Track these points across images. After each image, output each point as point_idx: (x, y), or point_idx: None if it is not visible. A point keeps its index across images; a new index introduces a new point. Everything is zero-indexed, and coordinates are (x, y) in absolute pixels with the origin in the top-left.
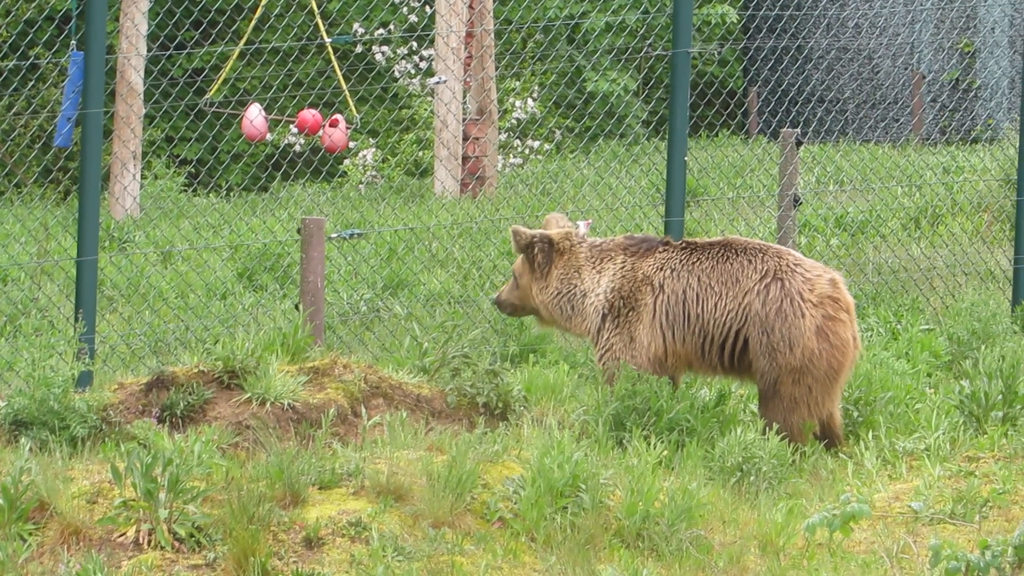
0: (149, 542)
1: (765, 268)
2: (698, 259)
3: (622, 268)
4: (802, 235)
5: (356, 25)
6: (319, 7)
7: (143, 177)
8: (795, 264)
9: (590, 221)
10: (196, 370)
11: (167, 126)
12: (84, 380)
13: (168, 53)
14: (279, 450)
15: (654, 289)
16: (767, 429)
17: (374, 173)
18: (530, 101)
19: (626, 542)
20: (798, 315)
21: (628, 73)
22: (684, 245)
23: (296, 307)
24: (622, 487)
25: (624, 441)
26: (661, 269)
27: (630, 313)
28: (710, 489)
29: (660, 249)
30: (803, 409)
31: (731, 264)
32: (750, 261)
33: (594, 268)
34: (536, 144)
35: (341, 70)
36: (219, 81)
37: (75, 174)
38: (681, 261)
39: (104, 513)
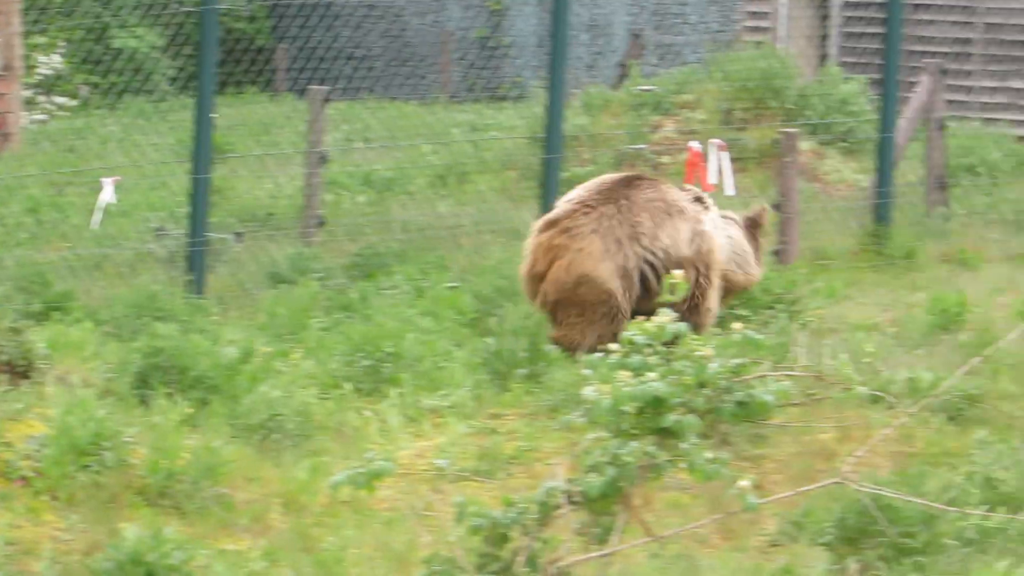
0: None
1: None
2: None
3: None
4: (329, 192)
5: None
6: None
7: None
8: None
9: (119, 177)
10: None
11: None
12: None
13: None
14: None
15: None
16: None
17: None
18: (56, 57)
19: (149, 500)
20: None
21: (156, 29)
22: None
23: None
24: (146, 445)
25: (149, 399)
26: None
27: None
28: (235, 447)
29: None
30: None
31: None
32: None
33: None
34: (62, 100)
35: None
36: None
37: None
38: None
39: None
